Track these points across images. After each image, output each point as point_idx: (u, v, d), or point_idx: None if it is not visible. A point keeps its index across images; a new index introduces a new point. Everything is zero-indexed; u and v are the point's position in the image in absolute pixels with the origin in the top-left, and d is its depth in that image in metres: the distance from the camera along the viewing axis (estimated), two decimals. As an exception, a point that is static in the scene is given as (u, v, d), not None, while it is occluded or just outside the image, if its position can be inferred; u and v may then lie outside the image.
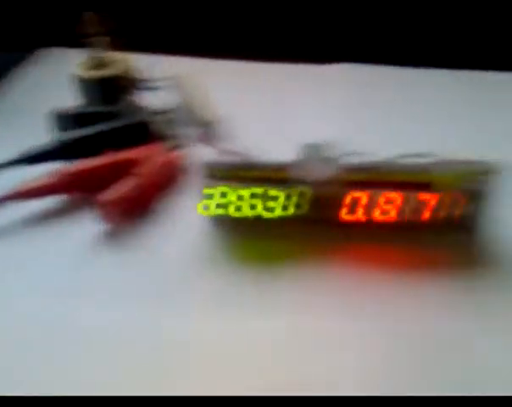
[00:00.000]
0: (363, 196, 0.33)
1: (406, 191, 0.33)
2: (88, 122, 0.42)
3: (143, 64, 0.48)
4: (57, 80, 0.48)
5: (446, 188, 0.33)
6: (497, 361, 0.28)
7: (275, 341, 0.29)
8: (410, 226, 0.34)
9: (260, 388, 0.27)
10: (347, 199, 0.33)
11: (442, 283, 0.32)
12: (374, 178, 0.33)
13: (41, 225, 0.36)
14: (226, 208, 0.34)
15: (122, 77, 0.46)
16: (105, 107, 0.44)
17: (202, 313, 0.31)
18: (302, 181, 0.34)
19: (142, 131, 0.43)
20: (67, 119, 0.42)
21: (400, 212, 0.33)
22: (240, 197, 0.34)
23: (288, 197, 0.34)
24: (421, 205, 0.33)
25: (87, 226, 0.35)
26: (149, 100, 0.47)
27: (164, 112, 0.45)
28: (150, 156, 0.39)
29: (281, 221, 0.35)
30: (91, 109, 0.44)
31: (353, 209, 0.34)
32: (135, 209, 0.37)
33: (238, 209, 0.34)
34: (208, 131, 0.45)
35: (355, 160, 0.33)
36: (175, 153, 0.40)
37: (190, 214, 0.36)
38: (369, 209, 0.33)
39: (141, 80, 0.48)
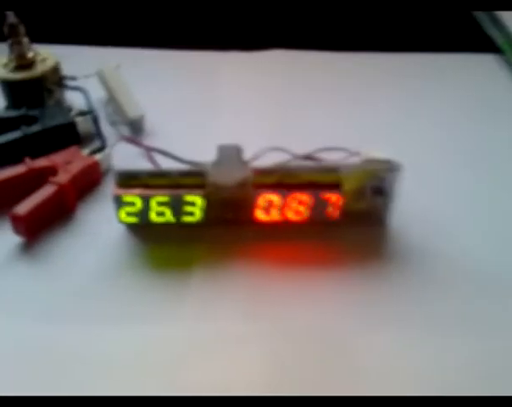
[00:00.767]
0: (275, 198, 0.34)
1: (315, 192, 0.34)
2: (8, 127, 0.40)
3: (65, 58, 0.47)
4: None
5: (353, 187, 0.35)
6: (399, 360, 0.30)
7: (179, 347, 0.30)
8: (322, 224, 0.35)
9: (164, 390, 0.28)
10: (261, 201, 0.34)
11: (352, 276, 0.33)
12: (284, 180, 0.34)
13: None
14: (138, 215, 0.34)
15: (46, 77, 0.44)
16: (27, 110, 0.42)
17: (112, 323, 0.31)
18: (215, 186, 0.34)
19: (68, 134, 0.42)
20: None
21: (312, 211, 0.34)
22: (151, 205, 0.34)
23: (201, 202, 0.34)
24: (331, 204, 0.34)
25: (2, 239, 0.35)
26: (73, 99, 0.46)
27: (88, 111, 0.44)
28: (68, 162, 0.38)
29: (197, 226, 0.35)
30: (9, 114, 0.42)
31: (267, 209, 0.35)
32: (52, 219, 0.36)
33: (149, 216, 0.34)
34: (133, 128, 0.45)
35: (268, 162, 0.34)
36: (95, 157, 0.39)
37: (108, 222, 0.36)
38: (282, 209, 0.35)
39: (65, 79, 0.46)
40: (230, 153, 0.35)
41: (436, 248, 0.35)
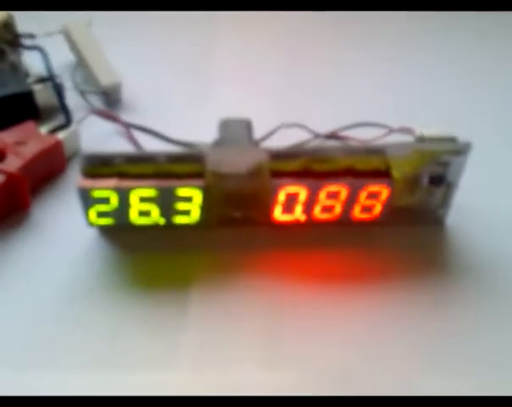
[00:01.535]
0: (301, 190, 0.25)
1: (357, 181, 0.24)
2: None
3: (23, 17, 0.36)
4: None
5: (404, 174, 0.25)
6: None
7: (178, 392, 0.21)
8: (361, 225, 0.26)
9: None
10: (281, 195, 0.25)
11: (400, 293, 0.25)
12: (313, 167, 0.24)
13: None
14: (114, 216, 0.25)
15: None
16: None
17: (76, 370, 0.22)
18: (217, 175, 0.25)
19: (23, 105, 0.32)
20: None
21: (348, 208, 0.25)
22: (131, 201, 0.24)
23: (199, 197, 0.25)
24: (375, 198, 0.25)
25: None
26: (32, 63, 0.35)
27: (50, 77, 0.34)
28: (21, 143, 0.28)
29: (194, 229, 0.26)
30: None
31: (289, 207, 0.25)
32: (3, 214, 0.27)
33: (129, 216, 0.25)
34: (108, 99, 0.35)
35: (287, 142, 0.25)
36: (57, 137, 0.29)
37: (74, 225, 0.26)
38: (309, 206, 0.25)
39: (21, 37, 0.36)
40: (236, 131, 0.26)
41: (509, 254, 0.26)
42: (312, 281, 0.25)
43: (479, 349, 0.23)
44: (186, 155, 0.24)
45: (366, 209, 0.25)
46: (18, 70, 0.35)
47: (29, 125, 0.30)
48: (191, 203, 0.25)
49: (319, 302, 0.24)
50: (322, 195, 0.25)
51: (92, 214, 0.25)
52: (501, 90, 0.37)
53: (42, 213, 0.28)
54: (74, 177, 0.27)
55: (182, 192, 0.24)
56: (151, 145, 0.31)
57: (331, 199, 0.25)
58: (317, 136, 0.31)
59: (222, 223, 0.26)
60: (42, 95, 0.33)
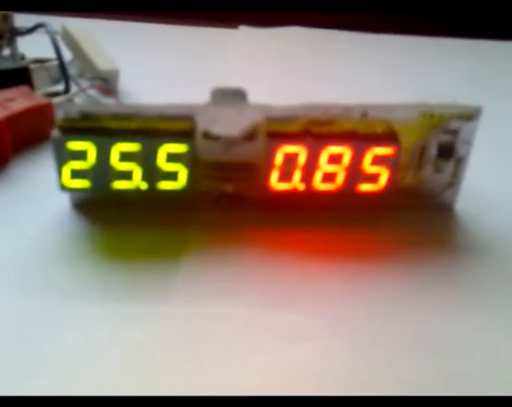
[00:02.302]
0: (301, 151, 0.22)
1: (360, 144, 0.22)
2: None
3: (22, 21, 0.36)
4: None
5: (411, 142, 0.23)
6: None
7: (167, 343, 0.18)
8: (365, 202, 0.23)
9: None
10: (279, 157, 0.22)
11: (407, 275, 0.21)
12: (313, 129, 0.22)
13: None
14: (91, 177, 0.22)
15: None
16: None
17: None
18: (209, 136, 0.22)
19: (21, 81, 0.30)
20: None
21: (349, 177, 0.22)
22: (111, 158, 0.22)
23: (186, 154, 0.22)
24: (379, 163, 0.22)
25: None
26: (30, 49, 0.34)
27: (47, 60, 0.33)
28: (11, 99, 0.26)
29: (182, 199, 0.23)
30: None
31: (287, 174, 0.23)
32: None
33: (108, 179, 0.22)
34: (105, 83, 0.34)
35: (283, 106, 0.23)
36: (49, 100, 0.28)
37: (54, 188, 0.23)
38: (307, 172, 0.23)
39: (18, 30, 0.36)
40: (229, 98, 0.24)
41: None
42: (310, 259, 0.22)
43: (487, 331, 0.19)
44: (174, 112, 0.22)
45: (371, 178, 0.23)
46: (15, 53, 0.34)
47: (24, 88, 0.28)
48: (177, 164, 0.22)
49: (317, 280, 0.21)
50: (323, 159, 0.22)
51: (67, 172, 0.22)
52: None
53: (20, 170, 0.25)
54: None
55: (168, 147, 0.21)
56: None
57: (332, 164, 0.22)
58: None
59: (213, 201, 0.24)
60: (39, 75, 0.32)
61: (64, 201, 0.24)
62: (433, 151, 0.23)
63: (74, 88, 0.33)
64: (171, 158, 0.22)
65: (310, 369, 0.18)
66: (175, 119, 0.22)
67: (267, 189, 0.23)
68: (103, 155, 0.22)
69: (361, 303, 0.20)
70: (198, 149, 0.23)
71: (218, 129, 0.22)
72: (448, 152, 0.23)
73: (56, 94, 0.31)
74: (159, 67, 0.39)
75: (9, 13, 0.34)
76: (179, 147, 0.22)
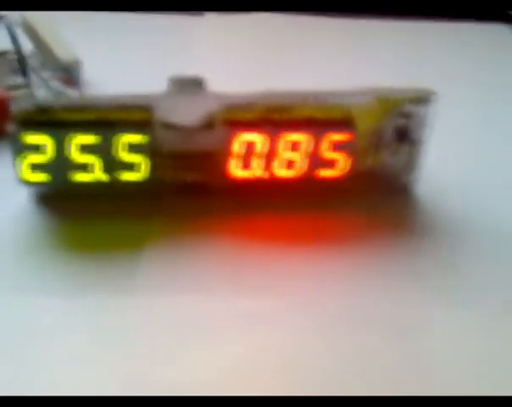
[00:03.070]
0: (258, 138, 0.22)
1: (317, 130, 0.22)
2: None
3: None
4: None
5: (368, 127, 0.23)
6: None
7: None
8: (325, 189, 0.24)
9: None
10: (237, 145, 0.22)
11: (369, 256, 0.22)
12: (271, 116, 0.22)
13: None
14: (50, 170, 0.22)
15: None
16: None
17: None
18: (166, 126, 0.22)
19: None
20: None
21: (308, 163, 0.23)
22: (70, 151, 0.21)
23: (146, 144, 0.22)
24: (336, 149, 0.23)
25: None
26: None
27: (7, 52, 0.32)
28: None
29: (143, 190, 0.23)
30: None
31: (246, 160, 0.23)
32: None
33: (67, 172, 0.22)
34: (67, 74, 0.33)
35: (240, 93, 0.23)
36: (7, 93, 0.27)
37: (11, 183, 0.23)
38: (268, 159, 0.23)
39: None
40: (187, 87, 0.24)
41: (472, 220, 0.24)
42: (272, 244, 0.22)
43: (449, 307, 0.20)
44: (132, 102, 0.22)
45: (330, 163, 0.23)
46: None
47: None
48: (136, 155, 0.22)
49: (279, 264, 0.21)
50: (282, 146, 0.22)
51: (25, 166, 0.21)
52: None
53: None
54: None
55: (128, 138, 0.21)
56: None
57: (291, 151, 0.23)
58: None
59: (174, 190, 0.24)
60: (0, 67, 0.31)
61: (26, 195, 0.23)
62: (390, 134, 0.24)
63: (36, 80, 0.32)
64: (131, 148, 0.22)
65: (277, 352, 0.18)
66: (133, 110, 0.22)
67: (228, 177, 0.23)
68: (62, 148, 0.21)
69: (324, 286, 0.21)
70: (158, 139, 0.22)
71: (175, 118, 0.22)
72: (403, 135, 0.24)
73: (17, 87, 0.31)
74: (124, 56, 0.38)
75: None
76: (138, 138, 0.21)
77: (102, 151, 0.22)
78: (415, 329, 0.19)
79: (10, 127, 0.21)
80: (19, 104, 0.21)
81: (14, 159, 0.21)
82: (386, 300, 0.20)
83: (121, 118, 0.21)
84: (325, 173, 0.23)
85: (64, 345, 0.18)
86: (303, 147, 0.22)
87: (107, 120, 0.21)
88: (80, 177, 0.22)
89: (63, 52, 0.33)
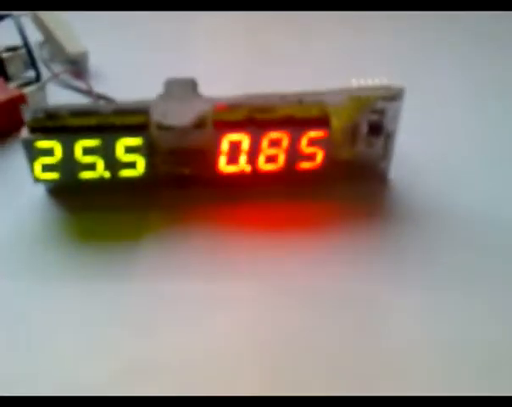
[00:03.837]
0: (244, 138, 0.25)
1: (295, 129, 0.24)
2: None
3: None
4: None
5: (343, 123, 0.25)
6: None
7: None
8: (304, 179, 0.26)
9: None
10: (225, 145, 0.25)
11: (344, 240, 0.24)
12: (255, 116, 0.24)
13: None
14: (60, 169, 0.25)
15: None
16: None
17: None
18: (162, 127, 0.24)
19: None
20: None
21: (290, 157, 0.25)
22: (76, 153, 0.24)
23: (143, 146, 0.24)
24: (314, 145, 0.25)
25: None
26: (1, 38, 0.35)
27: (17, 48, 0.34)
28: None
29: (142, 185, 0.26)
30: None
31: (233, 157, 0.25)
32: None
33: (75, 170, 0.25)
34: (75, 67, 0.35)
35: (228, 96, 0.25)
36: (21, 92, 0.30)
37: (25, 179, 0.26)
38: (253, 156, 0.25)
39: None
40: (182, 87, 0.26)
41: (448, 205, 0.26)
42: (258, 231, 0.25)
43: (413, 291, 0.22)
44: (130, 107, 0.24)
45: (308, 157, 0.25)
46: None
47: (-1, 79, 0.30)
48: (135, 155, 0.25)
49: (265, 250, 0.24)
50: (265, 143, 0.24)
51: (37, 167, 0.24)
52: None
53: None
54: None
55: (126, 141, 0.24)
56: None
57: (273, 148, 0.25)
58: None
59: (171, 182, 0.26)
60: (12, 63, 0.33)
61: (39, 188, 0.26)
62: (364, 129, 0.25)
63: (46, 73, 0.34)
64: (129, 150, 0.24)
65: (263, 331, 0.21)
66: (131, 114, 0.24)
67: (217, 171, 0.25)
68: (68, 151, 0.24)
69: (302, 270, 0.23)
70: (155, 139, 0.25)
71: (169, 120, 0.24)
72: (377, 129, 0.25)
73: (29, 83, 0.33)
74: (129, 49, 0.39)
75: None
76: (135, 141, 0.24)
77: (104, 152, 0.24)
78: (390, 309, 0.21)
79: (23, 134, 0.24)
80: (30, 112, 0.24)
81: (28, 162, 0.24)
82: (360, 282, 0.22)
83: (120, 123, 0.24)
84: (304, 165, 0.26)
85: (71, 326, 0.21)
86: (283, 143, 0.25)
87: (107, 125, 0.24)
88: (86, 175, 0.25)
89: (70, 44, 0.35)
